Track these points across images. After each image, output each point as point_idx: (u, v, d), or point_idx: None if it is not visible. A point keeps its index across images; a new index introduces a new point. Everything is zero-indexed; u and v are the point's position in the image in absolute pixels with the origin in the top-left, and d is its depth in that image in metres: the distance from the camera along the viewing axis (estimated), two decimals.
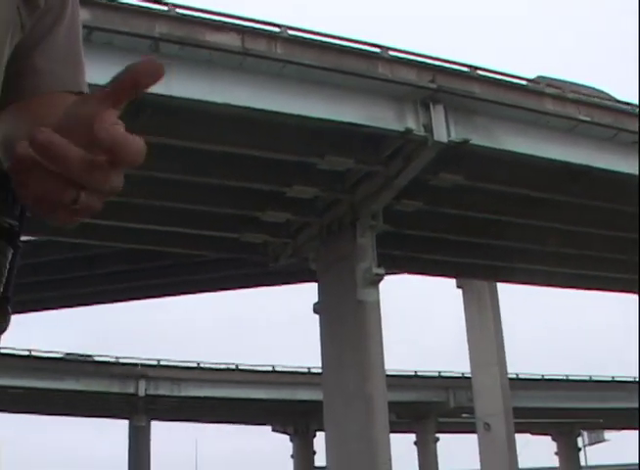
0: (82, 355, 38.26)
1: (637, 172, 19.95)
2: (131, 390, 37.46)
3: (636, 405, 42.30)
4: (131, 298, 29.75)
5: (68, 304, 29.99)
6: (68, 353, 37.96)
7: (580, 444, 51.82)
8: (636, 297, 28.41)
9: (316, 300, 20.13)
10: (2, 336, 1.05)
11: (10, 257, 1.01)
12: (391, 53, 17.82)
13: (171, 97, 15.67)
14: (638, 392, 33.21)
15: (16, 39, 1.14)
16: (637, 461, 35.32)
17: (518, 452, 29.40)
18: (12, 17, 1.11)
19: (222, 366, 40.07)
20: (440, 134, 17.50)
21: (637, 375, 36.11)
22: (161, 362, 39.23)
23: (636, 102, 20.68)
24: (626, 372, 46.72)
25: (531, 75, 19.64)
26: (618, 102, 20.54)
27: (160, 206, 19.69)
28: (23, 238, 1.07)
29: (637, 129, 19.95)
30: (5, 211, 1.00)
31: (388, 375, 19.74)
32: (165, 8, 15.66)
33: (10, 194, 1.01)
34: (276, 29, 16.67)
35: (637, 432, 42.50)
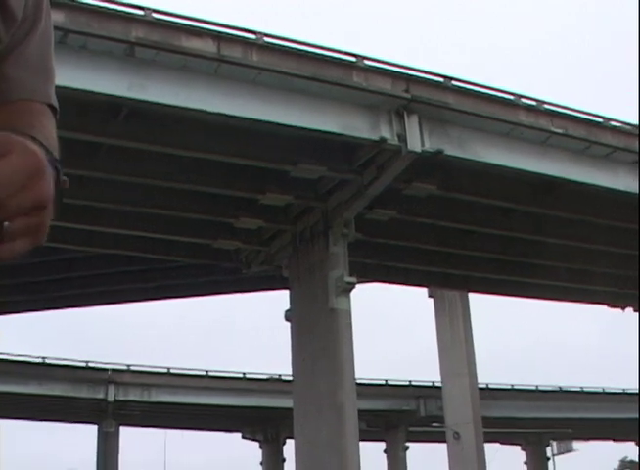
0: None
1: (610, 185, 20.12)
2: (100, 395, 37.28)
3: (605, 416, 42.66)
4: (104, 302, 29.60)
5: (42, 307, 29.80)
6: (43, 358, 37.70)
7: (549, 453, 51.98)
8: (606, 308, 28.61)
9: (288, 307, 20.11)
10: None
11: None
12: (367, 62, 17.84)
13: (146, 102, 15.64)
14: (638, 403, 33.32)
15: None
16: None
17: (487, 462, 29.52)
18: None
19: (192, 372, 39.95)
20: (414, 144, 17.55)
21: (607, 386, 36.27)
22: (132, 368, 39.06)
23: (608, 115, 20.82)
24: (595, 383, 47.08)
25: (506, 87, 19.72)
26: (591, 114, 20.65)
27: (134, 211, 19.63)
28: None
29: (609, 142, 20.11)
30: None
31: (358, 383, 19.75)
32: (142, 12, 15.59)
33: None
34: (252, 36, 16.66)
35: (605, 442, 42.77)
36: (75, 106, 14.18)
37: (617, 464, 63.40)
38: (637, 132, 20.61)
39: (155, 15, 15.81)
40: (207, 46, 15.93)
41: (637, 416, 34.60)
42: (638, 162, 20.18)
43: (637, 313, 27.84)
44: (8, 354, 35.84)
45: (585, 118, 20.41)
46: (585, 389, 46.92)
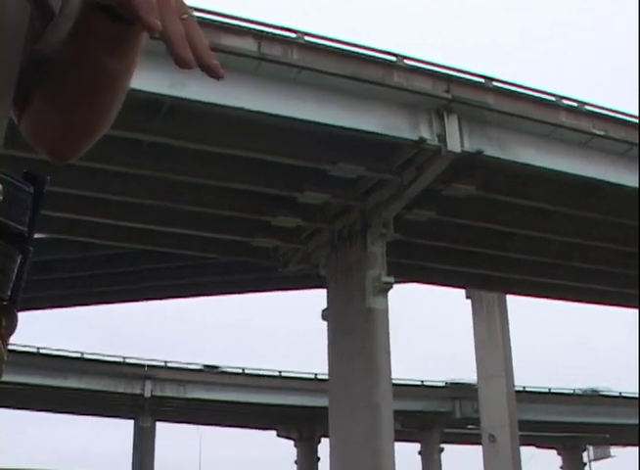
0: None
1: None
2: (137, 390, 37.58)
3: None
4: (143, 298, 29.84)
5: (80, 302, 30.10)
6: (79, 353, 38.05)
7: (586, 459, 51.64)
8: None
9: (325, 306, 20.13)
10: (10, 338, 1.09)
11: (19, 261, 1.05)
12: (407, 62, 17.81)
13: (187, 100, 15.73)
14: (638, 407, 33.09)
15: (29, 47, 1.14)
16: None
17: (522, 465, 29.34)
18: (24, 27, 1.11)
19: (228, 370, 40.12)
20: (454, 144, 17.50)
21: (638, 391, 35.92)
22: (168, 364, 39.32)
23: None
24: (634, 388, 46.55)
25: (547, 88, 19.61)
26: (632, 116, 20.47)
27: (173, 208, 19.74)
28: (37, 235, 1.10)
29: None
30: (15, 218, 1.04)
31: (394, 384, 19.72)
32: None
33: (23, 200, 1.05)
34: (292, 35, 16.69)
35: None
36: None
37: None
38: None
39: (195, 13, 15.83)
40: (248, 44, 15.98)
41: None
42: None
43: None
44: (48, 349, 36.26)
45: (626, 120, 20.23)
46: (624, 394, 46.50)
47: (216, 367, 40.38)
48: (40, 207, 1.08)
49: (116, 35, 1.16)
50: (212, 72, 1.05)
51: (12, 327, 1.07)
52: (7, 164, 1.04)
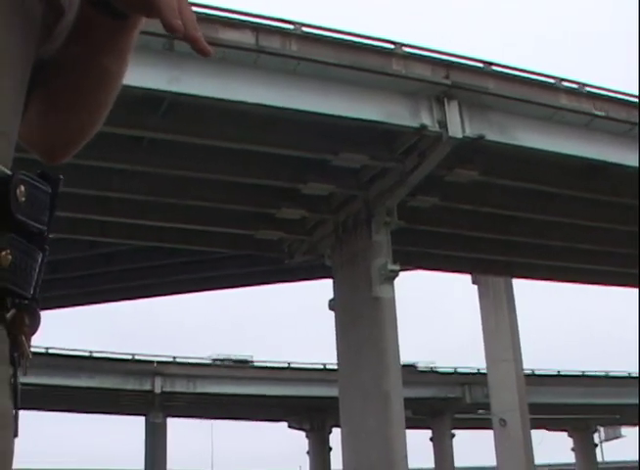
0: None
1: None
2: (147, 387, 37.65)
3: None
4: (148, 295, 29.87)
5: (87, 301, 30.14)
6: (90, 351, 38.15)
7: (597, 440, 51.76)
8: None
9: (331, 296, 20.15)
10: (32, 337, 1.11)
11: (39, 260, 1.07)
12: (406, 49, 17.78)
13: (186, 95, 15.72)
14: (638, 387, 33.09)
15: (40, 47, 1.15)
16: None
17: (534, 448, 29.37)
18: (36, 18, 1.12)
19: (238, 363, 40.20)
20: (455, 130, 17.48)
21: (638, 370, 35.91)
22: (177, 359, 39.38)
23: None
24: None
25: (546, 71, 19.55)
26: (633, 96, 20.43)
27: (175, 203, 19.75)
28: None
29: None
30: (35, 217, 1.06)
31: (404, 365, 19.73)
32: None
33: (42, 200, 1.07)
34: (290, 27, 16.66)
35: None
36: (116, 100, 14.28)
37: None
38: None
39: (192, 8, 15.84)
40: (246, 37, 15.96)
41: None
42: None
43: None
44: (58, 348, 36.32)
45: (627, 100, 20.20)
46: (633, 374, 46.49)
47: (247, 362, 40.54)
48: (55, 206, 1.10)
49: (114, 31, 1.20)
50: (198, 45, 1.08)
51: (35, 326, 1.09)
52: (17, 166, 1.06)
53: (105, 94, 1.30)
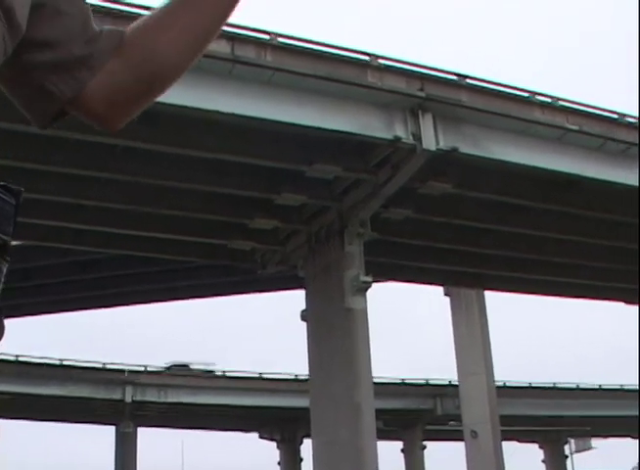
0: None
1: (627, 181, 20.02)
2: (118, 396, 37.41)
3: (624, 413, 42.46)
4: (120, 303, 29.74)
5: (59, 309, 29.96)
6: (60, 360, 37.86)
7: (567, 451, 51.85)
8: (623, 305, 28.52)
9: (304, 307, 20.12)
10: None
11: (3, 271, 1.08)
12: (381, 61, 17.83)
13: (160, 103, 15.66)
14: (638, 400, 33.17)
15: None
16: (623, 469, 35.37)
17: (505, 460, 29.43)
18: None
19: (214, 373, 40.08)
20: (429, 142, 17.53)
21: (626, 383, 36.10)
22: (148, 368, 39.19)
23: (624, 111, 20.73)
24: (613, 380, 46.87)
25: (521, 85, 19.67)
26: (606, 110, 20.58)
27: (149, 212, 19.68)
28: (15, 242, 1.13)
29: (625, 138, 20.00)
30: (1, 228, 1.06)
31: (375, 383, 19.75)
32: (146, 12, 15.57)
33: (6, 211, 1.07)
34: (266, 37, 16.67)
35: (624, 440, 42.60)
36: None
37: (636, 462, 63.10)
38: None
39: None
40: (221, 47, 15.93)
41: None
42: None
43: None
44: (29, 356, 36.04)
45: (601, 115, 20.34)
46: (603, 386, 46.76)
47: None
48: (17, 218, 1.10)
49: None
50: None
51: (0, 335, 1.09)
52: None
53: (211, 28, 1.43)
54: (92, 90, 1.30)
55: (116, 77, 1.31)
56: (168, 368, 39.41)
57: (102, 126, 1.37)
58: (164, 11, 1.37)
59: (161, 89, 1.44)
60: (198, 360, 41.38)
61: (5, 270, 1.08)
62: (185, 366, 40.49)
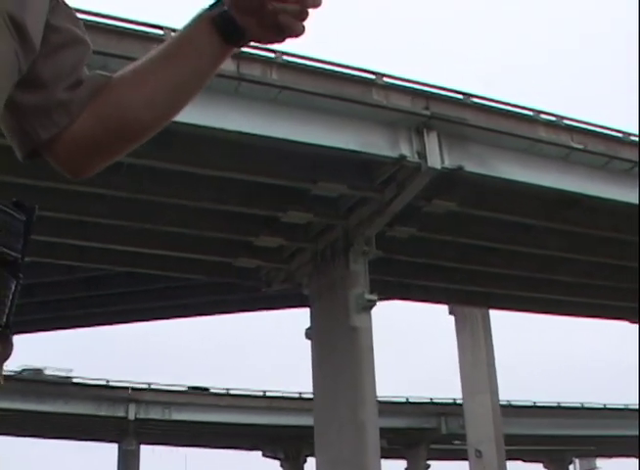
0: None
1: (631, 200, 20.01)
2: (121, 413, 37.33)
3: (629, 433, 42.26)
4: (125, 320, 29.70)
5: (63, 325, 29.91)
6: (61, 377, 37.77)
7: None
8: (628, 324, 28.46)
9: (308, 325, 20.10)
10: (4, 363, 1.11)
11: (13, 288, 1.08)
12: (386, 79, 17.87)
13: None
14: (639, 419, 33.09)
15: (14, 80, 1.20)
16: None
17: None
18: (12, 60, 1.16)
19: (213, 391, 39.94)
20: (434, 161, 17.55)
21: (630, 402, 35.98)
22: (152, 386, 39.11)
23: (628, 130, 20.76)
24: (618, 399, 46.71)
25: (526, 103, 19.71)
26: (611, 129, 20.60)
27: (154, 229, 19.69)
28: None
29: (629, 157, 20.01)
30: (9, 244, 1.06)
31: (379, 401, 19.69)
32: (161, 32, 15.67)
33: (16, 228, 1.08)
34: (271, 55, 16.72)
35: (629, 460, 42.41)
36: None
37: None
38: None
39: (173, 34, 15.86)
40: (227, 65, 15.89)
41: None
42: None
43: None
44: (30, 371, 35.98)
45: (605, 134, 20.37)
46: (608, 406, 46.60)
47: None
48: (30, 234, 1.11)
49: (220, 56, 1.38)
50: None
51: (7, 353, 1.09)
52: None
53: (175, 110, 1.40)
54: (61, 136, 1.31)
55: (85, 127, 1.32)
56: (20, 372, 38.22)
57: (66, 173, 1.38)
58: (143, 65, 1.37)
59: (130, 144, 1.41)
60: (52, 366, 40.61)
61: (14, 287, 1.08)
62: (39, 370, 39.55)
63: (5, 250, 1.06)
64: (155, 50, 1.36)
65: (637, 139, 20.61)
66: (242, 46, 1.38)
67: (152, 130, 1.39)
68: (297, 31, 1.29)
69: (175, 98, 1.37)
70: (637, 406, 43.34)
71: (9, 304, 1.08)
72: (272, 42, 1.37)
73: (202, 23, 1.36)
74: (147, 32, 15.66)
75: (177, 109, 1.39)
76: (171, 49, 1.38)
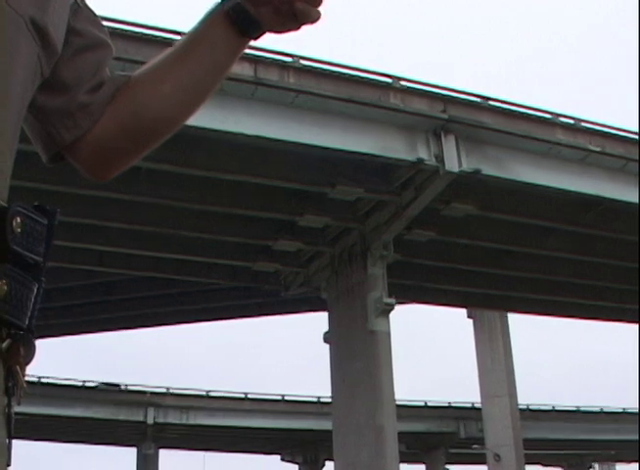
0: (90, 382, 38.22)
1: None
2: (140, 417, 37.43)
3: None
4: (144, 325, 29.80)
5: (83, 330, 30.05)
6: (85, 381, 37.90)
7: None
8: None
9: (327, 329, 20.09)
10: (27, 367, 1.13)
11: (35, 291, 1.08)
12: (403, 83, 17.86)
13: (185, 125, 15.72)
14: (638, 422, 32.98)
15: (37, 83, 1.21)
16: None
17: None
18: (34, 63, 1.18)
19: (231, 395, 40.00)
20: (452, 164, 17.53)
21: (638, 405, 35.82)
22: (171, 391, 39.19)
23: None
24: (636, 404, 46.37)
25: (543, 106, 19.69)
26: (628, 132, 20.52)
27: (173, 234, 19.74)
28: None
29: None
30: (32, 248, 1.07)
31: (398, 405, 19.66)
32: (178, 37, 15.69)
33: (38, 231, 1.09)
34: (288, 59, 16.75)
35: None
36: None
37: None
38: None
39: (188, 31, 15.88)
40: (244, 69, 16.02)
41: None
42: None
43: None
44: (53, 378, 36.15)
45: (623, 136, 20.29)
46: (628, 410, 46.36)
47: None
48: (52, 238, 1.12)
49: (236, 49, 1.38)
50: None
51: (30, 356, 1.10)
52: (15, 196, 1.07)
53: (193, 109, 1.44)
54: (84, 139, 1.33)
55: (106, 128, 1.33)
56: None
57: (90, 176, 1.40)
58: (160, 63, 1.37)
59: (150, 143, 1.44)
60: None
61: (36, 291, 1.10)
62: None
63: (27, 253, 1.07)
64: (171, 48, 1.37)
65: None
66: (257, 38, 1.37)
67: (171, 128, 1.42)
68: (314, 17, 1.29)
69: (193, 94, 1.39)
70: None
71: (31, 307, 1.08)
72: (288, 31, 1.35)
73: (216, 17, 1.35)
74: (166, 38, 15.70)
75: (196, 105, 1.42)
76: (187, 46, 1.37)
